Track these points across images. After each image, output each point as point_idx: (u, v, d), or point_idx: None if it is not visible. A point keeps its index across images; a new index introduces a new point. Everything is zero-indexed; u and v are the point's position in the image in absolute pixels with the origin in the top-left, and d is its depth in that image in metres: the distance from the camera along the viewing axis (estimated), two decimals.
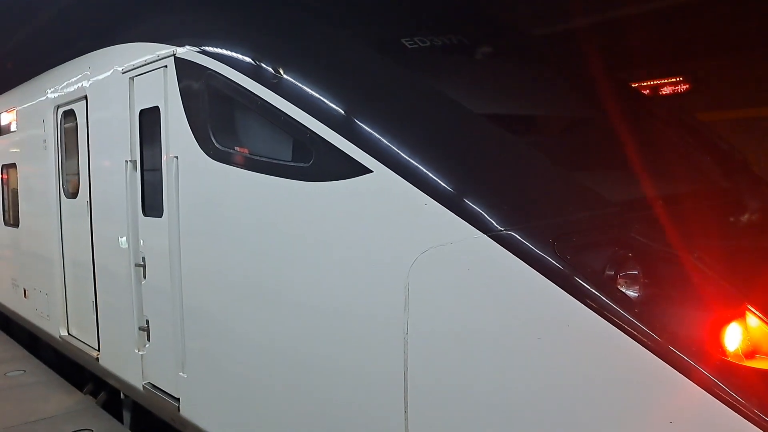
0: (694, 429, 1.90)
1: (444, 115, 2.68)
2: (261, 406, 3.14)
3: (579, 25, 5.79)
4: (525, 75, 3.38)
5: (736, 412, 1.83)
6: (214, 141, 3.29)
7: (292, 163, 2.88)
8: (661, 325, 2.01)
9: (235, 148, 3.27)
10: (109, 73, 4.47)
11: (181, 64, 3.56)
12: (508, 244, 2.21)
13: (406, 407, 2.40)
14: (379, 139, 2.54)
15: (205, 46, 3.42)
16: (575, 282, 2.10)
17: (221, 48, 3.33)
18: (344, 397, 2.68)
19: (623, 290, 2.12)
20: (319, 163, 2.71)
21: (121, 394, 4.77)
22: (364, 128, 2.60)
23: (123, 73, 4.21)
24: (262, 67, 3.05)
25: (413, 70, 2.91)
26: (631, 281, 2.15)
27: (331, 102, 2.72)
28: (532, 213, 2.33)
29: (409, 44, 3.16)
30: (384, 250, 2.50)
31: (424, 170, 2.42)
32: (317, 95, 2.77)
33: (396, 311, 2.42)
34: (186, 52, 3.52)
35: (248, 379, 3.19)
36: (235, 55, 3.25)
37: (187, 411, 3.69)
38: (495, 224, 2.25)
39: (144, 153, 4.08)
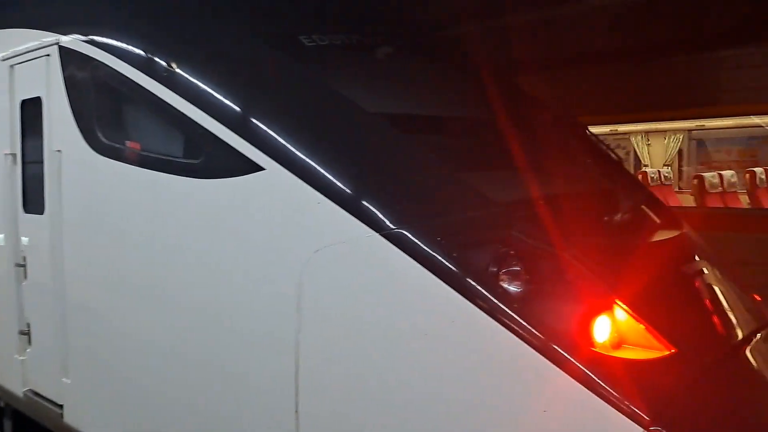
0: (565, 417, 2.02)
1: (338, 114, 2.70)
2: (150, 410, 3.04)
3: (476, 29, 5.99)
4: (421, 75, 3.46)
5: (601, 399, 1.97)
6: (100, 135, 3.15)
7: (181, 160, 2.80)
8: (538, 319, 2.12)
9: (124, 143, 3.14)
10: None
11: (65, 53, 3.38)
12: (399, 243, 2.26)
13: (297, 407, 2.40)
14: (272, 137, 2.52)
15: (92, 35, 3.26)
16: (460, 279, 2.18)
17: (110, 39, 3.19)
18: (236, 398, 2.65)
19: (505, 286, 2.22)
20: (209, 160, 2.66)
21: (1, 402, 4.47)
22: (256, 125, 2.57)
23: (3, 60, 3.95)
24: (152, 60, 2.95)
25: (310, 67, 2.91)
26: (513, 277, 2.25)
27: (223, 98, 2.67)
28: (422, 212, 2.39)
29: (307, 41, 3.15)
30: (276, 249, 2.49)
31: (318, 168, 2.43)
32: (209, 91, 2.71)
33: (288, 311, 2.41)
34: (71, 41, 3.35)
35: (136, 383, 3.08)
36: (124, 46, 3.12)
37: (71, 418, 3.51)
38: (387, 223, 2.29)
39: (25, 146, 3.83)
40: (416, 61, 3.55)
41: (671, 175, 12.48)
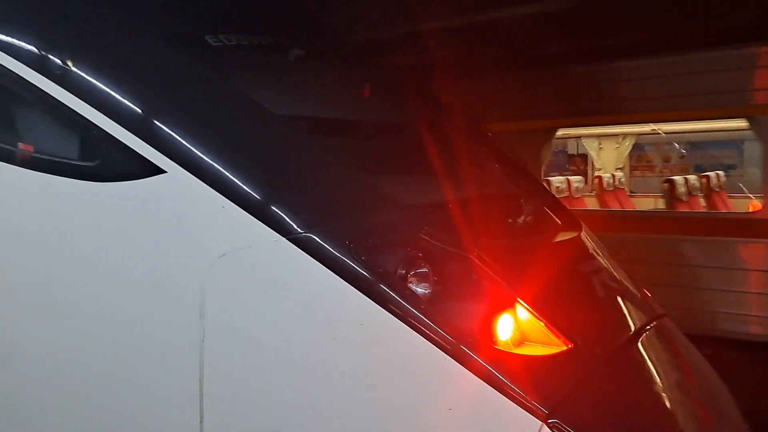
0: (470, 413, 2.08)
1: (244, 116, 2.65)
2: (44, 427, 2.86)
3: (391, 34, 6.06)
4: (332, 79, 3.45)
5: (503, 395, 2.04)
6: None
7: (76, 162, 2.66)
8: (445, 320, 2.17)
9: (15, 143, 2.95)
10: None
11: None
12: (306, 247, 2.24)
13: (201, 416, 2.33)
14: (174, 138, 2.44)
15: None
16: (369, 282, 2.19)
17: None
18: (137, 410, 2.54)
19: (414, 288, 2.25)
20: (106, 162, 2.54)
21: None
22: (157, 126, 2.48)
23: None
24: (45, 57, 2.79)
25: (215, 67, 2.84)
26: (421, 279, 2.29)
27: (121, 97, 2.56)
28: (330, 216, 2.39)
29: (213, 41, 3.07)
30: (179, 254, 2.41)
31: (222, 171, 2.37)
32: (106, 89, 2.59)
33: (191, 318, 2.34)
34: None
35: (28, 400, 2.89)
36: (13, 42, 2.93)
37: None
38: (294, 227, 2.27)
39: None
40: (326, 64, 3.54)
41: (624, 179, 12.51)
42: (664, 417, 2.57)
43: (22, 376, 2.92)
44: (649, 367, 2.82)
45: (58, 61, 2.73)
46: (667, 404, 2.65)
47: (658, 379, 2.75)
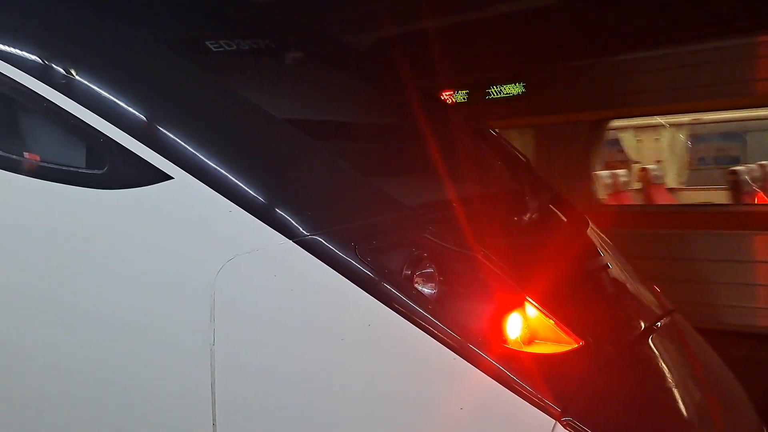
0: (481, 413, 2.07)
1: (248, 121, 2.66)
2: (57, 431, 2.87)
3: (388, 34, 6.07)
4: (332, 81, 3.46)
5: (515, 393, 2.03)
6: None
7: (84, 170, 2.67)
8: (453, 319, 2.16)
9: (23, 154, 2.97)
10: None
11: None
12: (313, 249, 2.25)
13: (214, 419, 2.34)
14: (180, 145, 2.45)
15: None
16: (375, 282, 2.19)
17: (1, 44, 3.00)
18: (150, 415, 2.55)
19: (420, 288, 2.25)
20: (114, 170, 2.55)
21: None
22: (163, 133, 2.49)
23: None
24: (49, 66, 2.81)
25: (217, 73, 2.85)
26: (427, 279, 2.28)
27: (126, 105, 2.57)
28: (335, 218, 2.39)
29: (214, 47, 3.09)
30: (187, 259, 2.42)
31: (228, 176, 2.38)
32: (112, 97, 2.60)
33: (201, 322, 2.35)
34: None
35: (38, 408, 2.90)
36: (17, 52, 2.94)
37: None
38: (300, 229, 2.28)
39: None
40: (327, 67, 3.55)
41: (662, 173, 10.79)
42: (678, 413, 2.55)
43: (35, 382, 2.93)
44: (661, 363, 2.81)
45: (63, 70, 2.75)
46: (681, 400, 2.63)
47: (670, 376, 2.74)
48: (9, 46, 2.97)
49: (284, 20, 3.80)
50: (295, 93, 3.08)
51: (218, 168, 2.39)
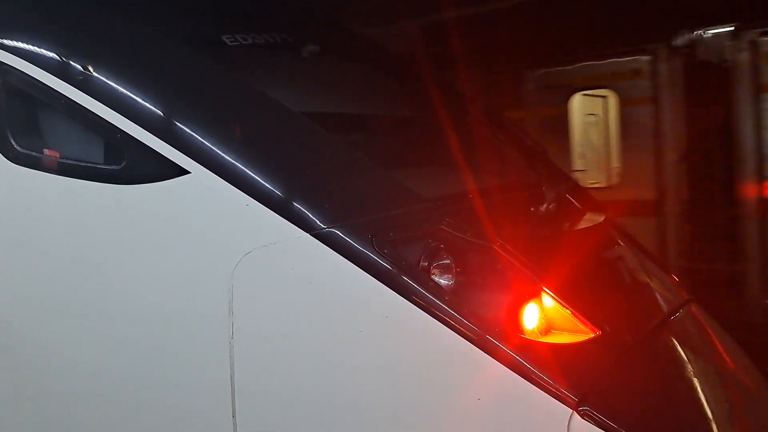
0: (499, 403, 2.08)
1: (264, 114, 2.67)
2: (76, 427, 2.92)
3: (404, 27, 6.04)
4: (348, 74, 3.46)
5: (532, 383, 2.03)
6: (12, 143, 2.99)
7: (102, 166, 2.71)
8: (470, 310, 2.17)
9: (40, 150, 3.01)
10: None
11: None
12: (330, 242, 2.26)
13: (234, 412, 2.37)
14: (197, 139, 2.47)
15: (0, 39, 3.10)
16: (392, 274, 2.20)
17: (19, 42, 3.04)
18: (171, 407, 2.58)
19: (437, 280, 2.26)
20: (132, 165, 2.58)
21: None
22: (179, 128, 2.51)
23: None
24: (67, 63, 2.84)
25: (233, 67, 2.86)
26: (444, 270, 2.29)
27: (143, 100, 2.60)
28: (352, 210, 2.40)
29: (230, 41, 3.10)
30: (205, 253, 2.44)
31: (244, 170, 2.40)
32: (128, 93, 2.63)
33: (220, 315, 2.37)
34: None
35: (61, 402, 2.95)
36: (36, 50, 2.98)
37: None
38: (317, 222, 2.29)
39: None
40: (343, 60, 3.55)
41: None
42: (697, 402, 2.54)
43: (55, 377, 2.98)
44: (678, 352, 2.79)
45: (80, 67, 2.78)
46: (698, 390, 2.62)
47: (687, 365, 2.73)
48: (27, 44, 3.01)
49: (300, 13, 3.80)
50: (311, 86, 3.09)
51: (235, 162, 2.40)
